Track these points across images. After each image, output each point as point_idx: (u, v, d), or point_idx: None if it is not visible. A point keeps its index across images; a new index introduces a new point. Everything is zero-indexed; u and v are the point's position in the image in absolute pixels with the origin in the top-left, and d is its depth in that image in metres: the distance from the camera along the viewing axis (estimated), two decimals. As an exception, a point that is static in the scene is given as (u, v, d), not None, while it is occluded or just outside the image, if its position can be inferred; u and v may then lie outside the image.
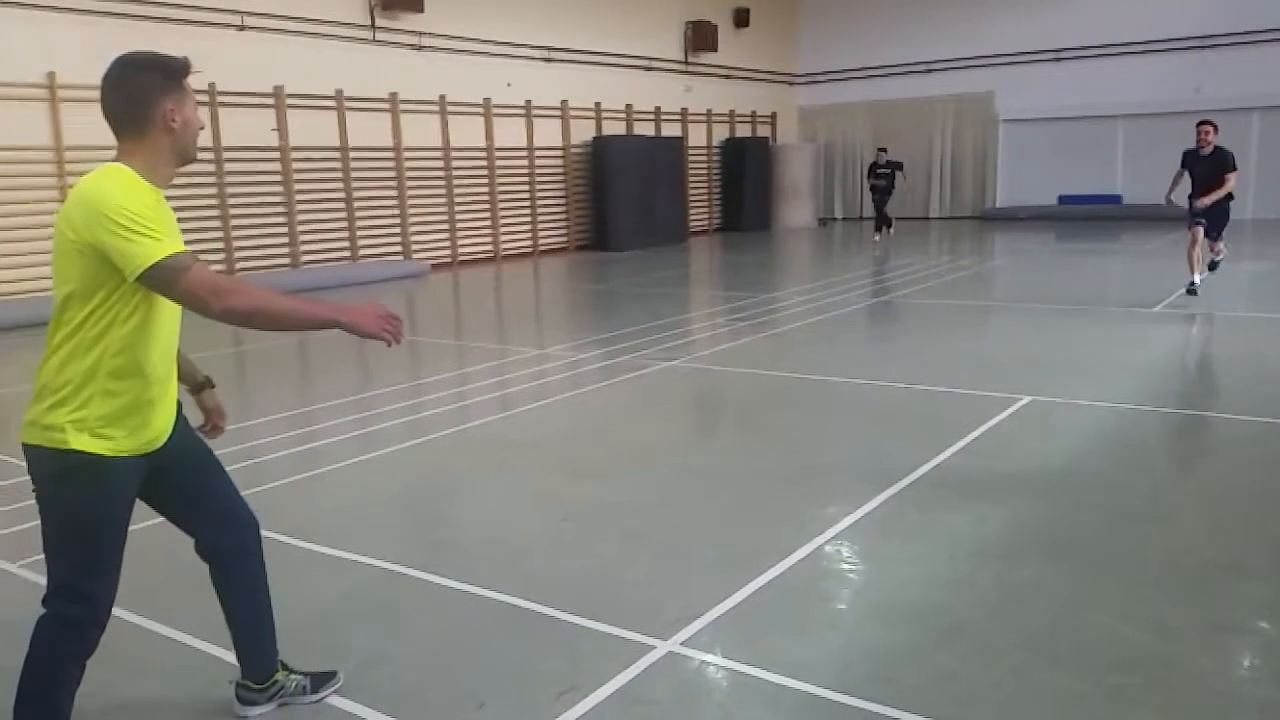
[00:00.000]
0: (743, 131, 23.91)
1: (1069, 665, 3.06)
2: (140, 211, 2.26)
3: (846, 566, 3.98)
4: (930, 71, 24.02)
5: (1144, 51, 21.44)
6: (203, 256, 2.56)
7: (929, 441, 5.49)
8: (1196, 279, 10.14)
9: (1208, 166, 9.95)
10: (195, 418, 2.94)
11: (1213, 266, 10.60)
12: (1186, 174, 10.20)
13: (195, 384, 2.91)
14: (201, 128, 2.53)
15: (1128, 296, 11.10)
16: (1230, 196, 10.01)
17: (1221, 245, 10.56)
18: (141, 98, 2.39)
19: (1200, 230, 10.10)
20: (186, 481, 2.69)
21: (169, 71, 2.43)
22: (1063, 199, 23.03)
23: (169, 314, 2.48)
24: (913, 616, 3.46)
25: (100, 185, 2.30)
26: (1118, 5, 21.55)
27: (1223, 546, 4.04)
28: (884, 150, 18.87)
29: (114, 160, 2.41)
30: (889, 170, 18.15)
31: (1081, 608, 3.48)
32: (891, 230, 18.69)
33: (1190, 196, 10.20)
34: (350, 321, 2.38)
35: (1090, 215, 21.96)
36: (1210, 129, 10.00)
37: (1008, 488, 4.81)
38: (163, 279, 2.26)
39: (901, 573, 3.84)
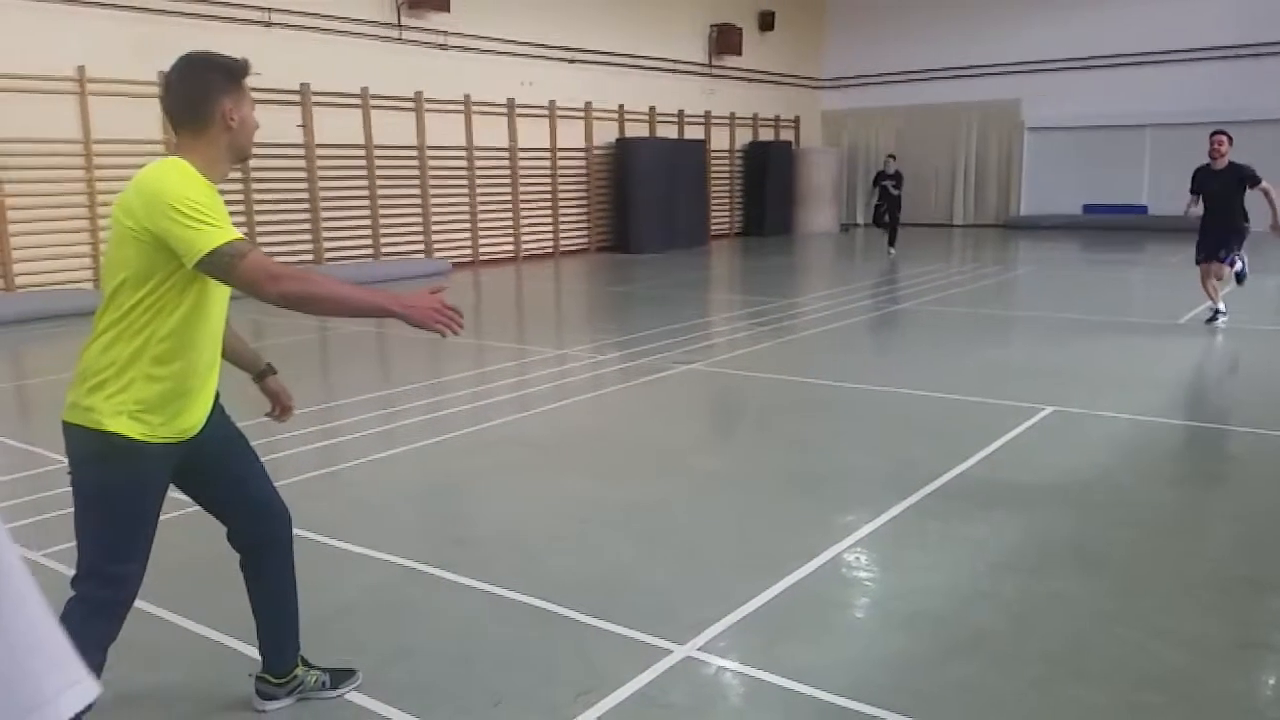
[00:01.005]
0: (766, 135, 23.86)
1: (1092, 680, 3.03)
2: (201, 200, 2.34)
3: (865, 574, 3.96)
4: (956, 78, 23.90)
5: (1173, 61, 21.25)
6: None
7: (950, 450, 5.45)
8: (1221, 305, 9.39)
9: (1222, 183, 9.24)
10: (261, 405, 2.98)
11: (1239, 278, 9.73)
12: (1199, 197, 9.43)
13: (258, 371, 2.97)
14: (257, 127, 2.60)
15: (1152, 308, 11.00)
16: (1246, 215, 9.31)
17: (1228, 272, 9.56)
18: (202, 96, 2.47)
19: (1209, 266, 9.40)
20: (221, 470, 2.72)
21: (229, 72, 2.52)
22: (1088, 208, 22.86)
23: (217, 307, 2.54)
24: (932, 626, 3.43)
25: (161, 175, 2.38)
26: (1146, 14, 21.38)
27: (1250, 562, 3.99)
28: (893, 157, 18.45)
29: (172, 154, 2.48)
30: (895, 179, 17.66)
31: (1106, 622, 3.44)
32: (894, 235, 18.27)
33: (1203, 217, 9.46)
34: (404, 312, 2.38)
35: (1115, 225, 21.78)
36: (1225, 140, 9.26)
37: (1030, 499, 4.77)
38: (221, 264, 2.31)
39: (921, 582, 3.81)
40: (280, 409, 3.02)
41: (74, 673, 0.84)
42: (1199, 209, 9.52)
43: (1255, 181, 9.18)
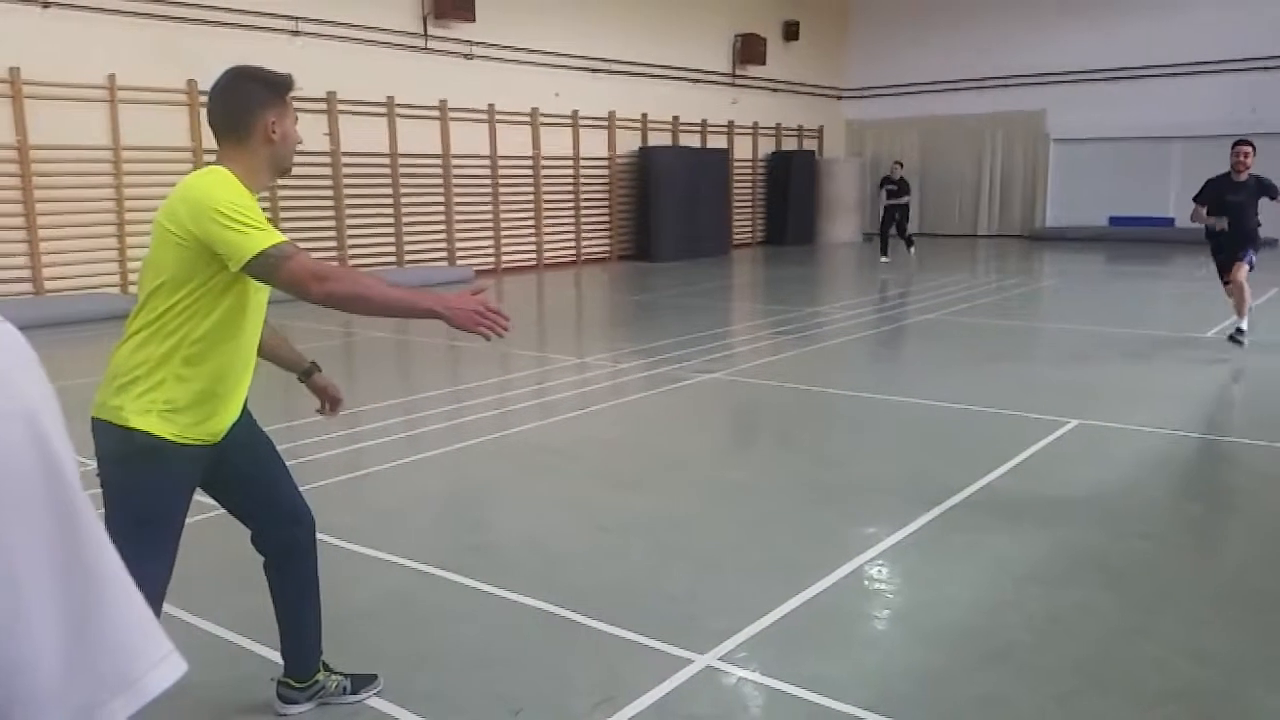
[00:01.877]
0: (789, 145, 23.84)
1: (1117, 694, 2.99)
2: (246, 206, 2.39)
3: (887, 586, 3.93)
4: (981, 88, 23.77)
5: (1200, 72, 21.08)
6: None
7: (973, 462, 5.41)
8: (1243, 324, 8.70)
9: (1248, 194, 8.82)
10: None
11: (1238, 337, 8.67)
12: (1206, 208, 8.93)
13: (303, 370, 3.01)
14: (299, 142, 2.64)
15: (1178, 321, 10.89)
16: (1259, 221, 8.97)
17: (1245, 271, 8.86)
18: (246, 107, 2.52)
19: (1235, 270, 8.83)
20: (247, 474, 2.74)
21: (274, 86, 2.56)
22: (1113, 220, 22.68)
23: (253, 314, 2.57)
24: (955, 639, 3.41)
25: (206, 182, 2.44)
26: (1173, 25, 21.22)
27: (1274, 576, 3.94)
28: (899, 164, 18.49)
29: (215, 163, 2.53)
30: (898, 186, 17.56)
31: (1131, 635, 3.40)
32: (886, 258, 18.03)
33: (1217, 235, 8.94)
34: (448, 314, 2.40)
35: (1142, 237, 21.59)
36: (1250, 150, 8.86)
37: (1055, 512, 4.73)
38: (267, 266, 2.35)
39: (944, 594, 3.78)
40: (330, 404, 3.06)
41: (161, 647, 0.81)
42: (1222, 223, 8.86)
43: (1275, 194, 8.88)
